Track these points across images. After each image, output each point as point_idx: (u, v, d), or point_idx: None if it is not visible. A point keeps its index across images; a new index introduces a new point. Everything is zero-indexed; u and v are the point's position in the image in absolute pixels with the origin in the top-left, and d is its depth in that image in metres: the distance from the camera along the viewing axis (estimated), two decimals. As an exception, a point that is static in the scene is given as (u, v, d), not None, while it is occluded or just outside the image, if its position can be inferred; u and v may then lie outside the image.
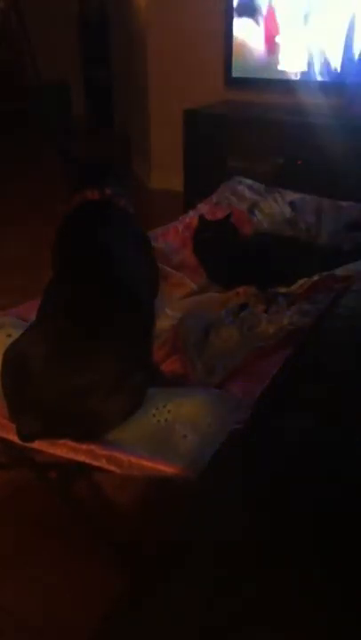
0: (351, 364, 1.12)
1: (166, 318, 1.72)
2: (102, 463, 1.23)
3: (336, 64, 3.20)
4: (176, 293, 1.91)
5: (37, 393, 1.22)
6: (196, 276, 2.04)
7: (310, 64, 3.27)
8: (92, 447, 1.24)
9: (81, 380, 1.22)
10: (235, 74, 3.47)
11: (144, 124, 4.10)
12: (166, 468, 1.18)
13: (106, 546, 1.44)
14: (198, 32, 3.60)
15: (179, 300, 1.87)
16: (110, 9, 5.18)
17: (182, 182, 3.56)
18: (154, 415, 1.30)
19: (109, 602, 0.73)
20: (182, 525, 0.79)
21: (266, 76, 3.39)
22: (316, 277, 1.81)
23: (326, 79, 3.25)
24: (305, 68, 3.29)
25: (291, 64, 3.32)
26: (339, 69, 3.20)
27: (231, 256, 2.02)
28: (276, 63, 3.35)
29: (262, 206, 2.38)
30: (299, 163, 3.11)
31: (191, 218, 2.31)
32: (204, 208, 2.43)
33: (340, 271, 1.81)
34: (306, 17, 3.17)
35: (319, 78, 3.27)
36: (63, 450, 1.26)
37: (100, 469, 1.25)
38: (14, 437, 1.27)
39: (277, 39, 3.30)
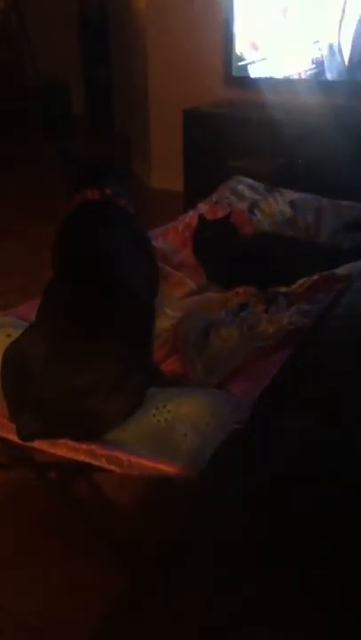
0: (351, 363, 1.12)
1: (166, 318, 1.72)
2: (102, 463, 1.23)
3: (337, 63, 3.19)
4: (176, 293, 1.91)
5: (37, 393, 1.22)
6: (196, 275, 2.04)
7: (311, 63, 3.27)
8: (92, 447, 1.24)
9: (81, 379, 1.22)
10: (235, 73, 3.47)
11: (144, 124, 4.10)
12: (166, 468, 1.18)
13: (106, 546, 1.44)
14: (198, 31, 3.60)
15: (179, 300, 1.87)
16: (110, 9, 5.18)
17: (182, 182, 3.56)
18: (154, 415, 1.30)
19: (109, 602, 0.73)
20: (182, 525, 0.79)
21: (266, 75, 3.39)
22: (315, 277, 1.81)
23: (327, 78, 3.25)
24: (305, 68, 3.29)
25: (291, 63, 3.32)
26: (340, 68, 3.19)
27: (231, 256, 2.02)
28: (277, 62, 3.35)
29: (262, 206, 2.38)
30: (299, 162, 3.11)
31: (191, 217, 2.31)
32: (203, 208, 2.42)
33: (339, 271, 1.81)
34: (306, 15, 3.17)
35: (320, 77, 3.26)
36: (63, 449, 1.26)
37: (99, 469, 1.25)
38: (14, 437, 1.27)
39: (278, 38, 3.29)
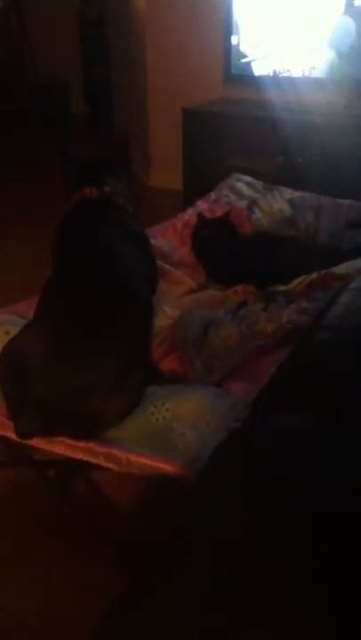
0: (351, 362, 1.12)
1: (165, 316, 1.72)
2: (100, 461, 1.23)
3: (336, 61, 3.19)
4: (175, 291, 1.91)
5: (36, 392, 1.22)
6: (195, 273, 2.04)
7: (310, 61, 3.27)
8: (91, 445, 1.24)
9: (81, 379, 1.22)
10: (234, 71, 3.46)
11: (143, 123, 4.10)
12: (165, 466, 1.18)
13: (106, 546, 1.44)
14: (197, 30, 3.59)
15: (177, 298, 1.87)
16: (110, 8, 5.17)
17: (181, 180, 3.55)
18: (152, 413, 1.30)
19: (109, 602, 0.73)
20: (182, 525, 0.78)
21: (265, 73, 3.39)
22: (314, 275, 1.81)
23: (326, 76, 3.24)
24: (305, 66, 3.28)
25: (290, 61, 3.32)
26: (339, 66, 3.19)
27: (230, 254, 2.02)
28: (276, 60, 3.35)
29: (261, 204, 2.37)
30: (298, 160, 3.10)
31: (190, 216, 2.30)
32: (202, 206, 2.42)
33: (338, 269, 1.81)
34: (306, 14, 3.16)
35: (319, 75, 3.26)
36: (61, 447, 1.26)
37: (98, 467, 1.25)
38: (13, 435, 1.27)
39: (276, 36, 3.29)
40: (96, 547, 1.46)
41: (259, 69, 3.41)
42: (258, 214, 2.32)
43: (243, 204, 2.38)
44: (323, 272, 1.80)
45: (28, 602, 1.38)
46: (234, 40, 3.38)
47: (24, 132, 5.49)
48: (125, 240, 1.60)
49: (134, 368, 1.30)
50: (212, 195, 2.54)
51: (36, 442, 1.27)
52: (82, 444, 1.24)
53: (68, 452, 1.25)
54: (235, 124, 3.26)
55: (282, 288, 1.81)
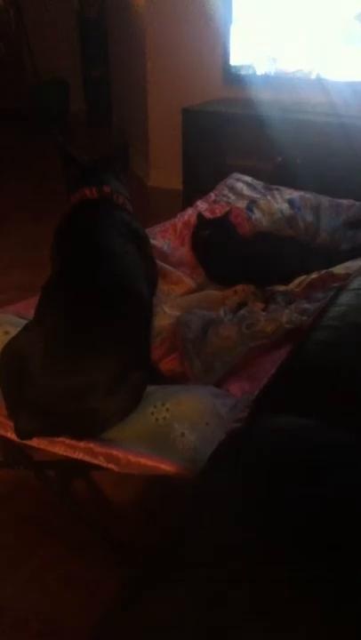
0: (350, 362, 1.12)
1: (165, 316, 1.72)
2: (100, 461, 1.23)
3: (336, 61, 3.19)
4: (175, 291, 1.91)
5: (36, 392, 1.22)
6: (195, 273, 2.04)
7: (309, 61, 3.26)
8: (91, 445, 1.24)
9: (80, 379, 1.22)
10: (233, 71, 3.46)
11: (143, 122, 4.09)
12: (164, 467, 1.18)
13: (105, 545, 1.44)
14: (196, 30, 3.59)
15: (177, 298, 1.87)
16: (109, 7, 5.17)
17: (181, 180, 3.55)
18: (152, 413, 1.30)
19: (109, 602, 0.73)
20: (181, 525, 0.78)
21: (265, 73, 3.39)
22: (314, 275, 1.81)
23: (325, 76, 3.25)
24: (304, 66, 3.28)
25: (290, 61, 3.32)
26: (338, 67, 3.19)
27: (230, 254, 2.02)
28: (276, 60, 3.35)
29: (261, 204, 2.38)
30: (298, 161, 3.10)
31: (190, 216, 2.30)
32: (202, 206, 2.42)
33: (338, 269, 1.81)
34: (306, 14, 3.16)
35: (318, 75, 3.26)
36: (61, 447, 1.26)
37: (98, 467, 1.25)
38: (13, 435, 1.27)
39: (276, 36, 3.29)
40: (95, 546, 1.46)
41: (259, 69, 3.41)
42: (257, 214, 2.32)
43: (242, 204, 2.39)
44: (322, 272, 1.80)
45: (27, 602, 1.38)
46: (234, 40, 3.38)
47: (23, 131, 5.49)
48: (125, 240, 1.60)
49: (134, 368, 1.31)
50: (212, 195, 2.54)
51: (36, 442, 1.27)
52: (82, 444, 1.24)
53: (68, 453, 1.25)
54: (234, 124, 3.26)
55: (282, 288, 1.82)
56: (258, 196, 2.49)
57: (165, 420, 1.28)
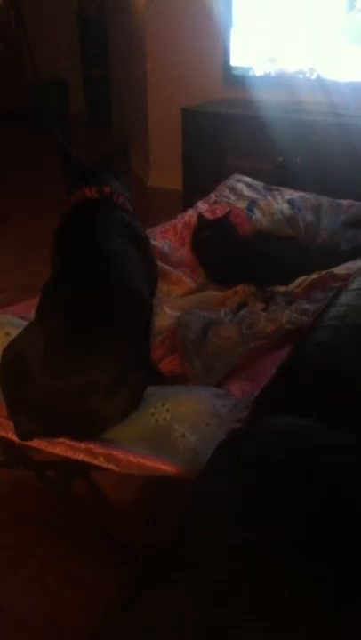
0: (350, 363, 1.12)
1: (165, 317, 1.72)
2: (101, 462, 1.23)
3: (336, 61, 3.19)
4: (175, 292, 1.91)
5: (36, 392, 1.22)
6: (195, 274, 2.04)
7: (309, 61, 3.27)
8: (91, 446, 1.24)
9: (80, 379, 1.22)
10: (233, 72, 3.46)
11: (143, 123, 4.10)
12: (165, 467, 1.18)
13: (105, 545, 1.44)
14: (197, 30, 3.59)
15: (177, 299, 1.87)
16: (109, 7, 5.17)
17: (181, 181, 3.55)
18: (152, 414, 1.30)
19: (109, 602, 0.73)
20: (182, 525, 0.79)
21: (265, 73, 3.39)
22: (314, 276, 1.81)
23: (325, 76, 3.25)
24: (304, 66, 3.28)
25: (290, 61, 3.32)
26: (338, 67, 3.19)
27: (230, 255, 2.02)
28: (276, 60, 3.35)
29: (261, 205, 2.38)
30: (298, 161, 3.10)
31: (190, 216, 2.30)
32: (202, 206, 2.42)
33: (338, 270, 1.81)
34: (307, 14, 3.16)
35: (318, 76, 3.26)
36: (62, 448, 1.26)
37: (98, 468, 1.25)
38: (13, 436, 1.27)
39: (277, 36, 3.29)
40: (95, 546, 1.46)
41: (259, 70, 3.41)
42: (258, 214, 2.32)
43: (243, 204, 2.39)
44: (323, 272, 1.80)
45: (27, 602, 1.38)
46: (234, 40, 3.38)
47: (23, 131, 5.50)
48: (125, 240, 1.60)
49: (133, 367, 1.31)
50: (212, 195, 2.54)
51: (36, 443, 1.27)
52: (82, 444, 1.24)
53: (69, 453, 1.25)
54: (234, 125, 3.27)
55: (282, 289, 1.82)
56: (258, 196, 2.49)
57: (166, 420, 1.28)
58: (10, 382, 1.29)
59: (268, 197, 2.45)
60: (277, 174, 3.02)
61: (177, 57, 3.72)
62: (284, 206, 2.38)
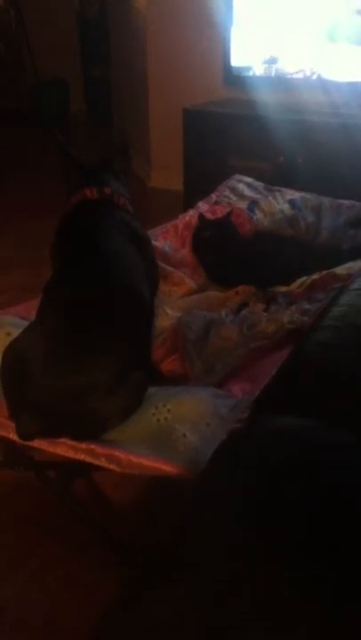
0: (351, 363, 1.12)
1: (166, 317, 1.72)
2: (102, 462, 1.23)
3: (336, 61, 3.19)
4: (176, 292, 1.91)
5: (37, 392, 1.22)
6: (196, 274, 2.04)
7: (310, 62, 3.27)
8: (92, 446, 1.24)
9: (80, 379, 1.22)
10: (234, 72, 3.46)
11: (143, 123, 4.09)
12: (166, 468, 1.18)
13: (105, 545, 1.44)
14: (198, 30, 3.59)
15: (178, 299, 1.87)
16: (110, 7, 5.17)
17: (182, 181, 3.55)
18: (153, 414, 1.30)
19: (109, 602, 0.73)
20: (181, 525, 0.79)
21: (266, 74, 3.39)
22: (315, 276, 1.81)
23: (326, 76, 3.25)
24: (305, 66, 3.28)
25: (291, 62, 3.32)
26: (339, 67, 3.19)
27: (231, 255, 2.02)
28: (276, 61, 3.35)
29: (262, 205, 2.38)
30: (299, 161, 3.10)
31: (191, 217, 2.30)
32: (203, 207, 2.42)
33: (339, 270, 1.81)
34: (307, 14, 3.16)
35: (319, 76, 3.26)
36: (63, 448, 1.26)
37: (99, 468, 1.25)
38: (14, 436, 1.27)
39: (278, 36, 3.29)
40: (95, 546, 1.46)
41: (259, 70, 3.41)
42: (259, 215, 2.32)
43: (244, 205, 2.39)
44: (324, 273, 1.80)
45: (27, 602, 1.38)
46: (234, 40, 3.38)
47: (23, 131, 5.49)
48: (126, 241, 1.60)
49: (134, 368, 1.31)
50: (213, 196, 2.54)
51: (37, 443, 1.27)
52: (83, 445, 1.24)
53: (70, 454, 1.25)
54: (235, 125, 3.26)
55: (283, 289, 1.82)
56: (259, 196, 2.49)
57: (167, 420, 1.28)
58: (11, 382, 1.29)
59: (269, 198, 2.45)
60: (279, 174, 3.02)
61: (178, 57, 3.72)
62: (285, 206, 2.38)
